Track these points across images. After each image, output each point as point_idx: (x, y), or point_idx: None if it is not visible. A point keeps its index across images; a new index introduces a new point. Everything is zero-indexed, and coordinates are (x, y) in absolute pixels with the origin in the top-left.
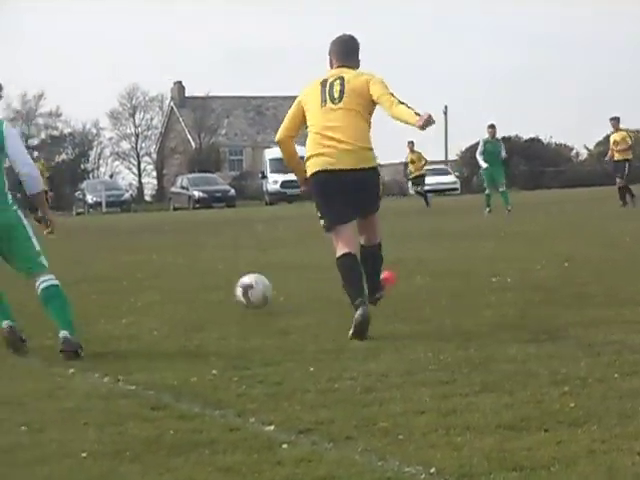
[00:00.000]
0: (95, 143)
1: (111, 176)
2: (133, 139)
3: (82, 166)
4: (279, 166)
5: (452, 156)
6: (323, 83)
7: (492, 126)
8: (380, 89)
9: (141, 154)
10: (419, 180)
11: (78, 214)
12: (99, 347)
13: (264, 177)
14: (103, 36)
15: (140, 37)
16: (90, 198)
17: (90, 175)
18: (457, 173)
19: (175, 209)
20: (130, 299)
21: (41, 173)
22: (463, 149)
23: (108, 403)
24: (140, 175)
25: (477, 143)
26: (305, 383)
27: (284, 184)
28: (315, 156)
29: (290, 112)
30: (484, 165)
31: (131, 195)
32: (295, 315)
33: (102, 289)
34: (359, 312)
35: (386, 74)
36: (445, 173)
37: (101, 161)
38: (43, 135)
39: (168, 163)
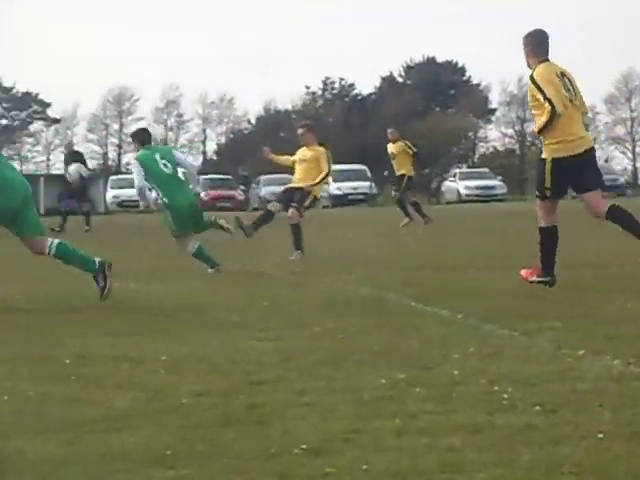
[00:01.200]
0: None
1: (606, 160)
2: (628, 123)
3: None
4: None
5: None
6: (559, 75)
7: None
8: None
9: (636, 138)
10: None
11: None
12: (608, 329)
13: None
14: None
15: None
16: None
17: None
18: None
19: None
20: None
21: (405, 152)
22: None
23: (620, 385)
24: (635, 159)
25: None
26: None
27: None
28: (564, 142)
29: (554, 89)
30: None
31: (625, 180)
32: None
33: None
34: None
35: None
36: None
37: (595, 145)
38: None
39: None
